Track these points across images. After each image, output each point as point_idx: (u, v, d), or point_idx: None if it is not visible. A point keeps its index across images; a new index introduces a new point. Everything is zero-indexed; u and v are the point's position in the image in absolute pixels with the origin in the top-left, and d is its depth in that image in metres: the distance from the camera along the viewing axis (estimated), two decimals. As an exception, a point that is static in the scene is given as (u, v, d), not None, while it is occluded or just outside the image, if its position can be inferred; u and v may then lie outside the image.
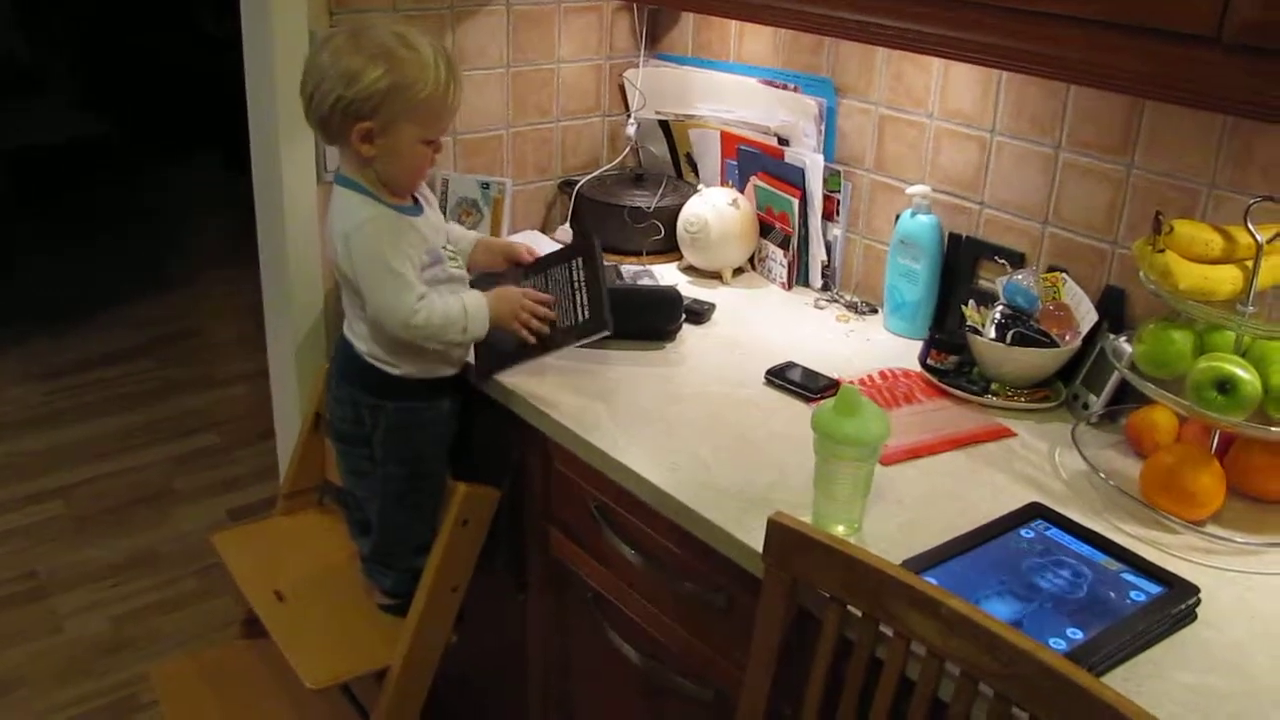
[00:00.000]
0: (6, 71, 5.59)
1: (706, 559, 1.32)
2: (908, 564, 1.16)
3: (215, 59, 4.34)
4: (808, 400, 1.56)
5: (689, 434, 1.47)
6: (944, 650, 1.02)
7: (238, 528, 2.12)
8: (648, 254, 2.06)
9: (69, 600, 2.65)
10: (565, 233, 2.12)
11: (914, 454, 1.43)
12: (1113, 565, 1.19)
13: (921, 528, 1.27)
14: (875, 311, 1.88)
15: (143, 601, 2.66)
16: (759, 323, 1.83)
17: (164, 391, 3.66)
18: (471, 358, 1.63)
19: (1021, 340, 1.55)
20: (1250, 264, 1.29)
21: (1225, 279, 1.31)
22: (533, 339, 1.57)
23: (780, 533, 1.15)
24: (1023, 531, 1.25)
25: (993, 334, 1.58)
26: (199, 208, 5.20)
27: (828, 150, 1.92)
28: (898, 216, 1.80)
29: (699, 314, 1.80)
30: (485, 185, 2.02)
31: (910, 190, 1.76)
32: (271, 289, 1.99)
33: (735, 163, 2.07)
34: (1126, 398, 1.51)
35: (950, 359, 1.63)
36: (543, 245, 1.86)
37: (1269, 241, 1.28)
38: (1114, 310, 1.56)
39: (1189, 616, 1.13)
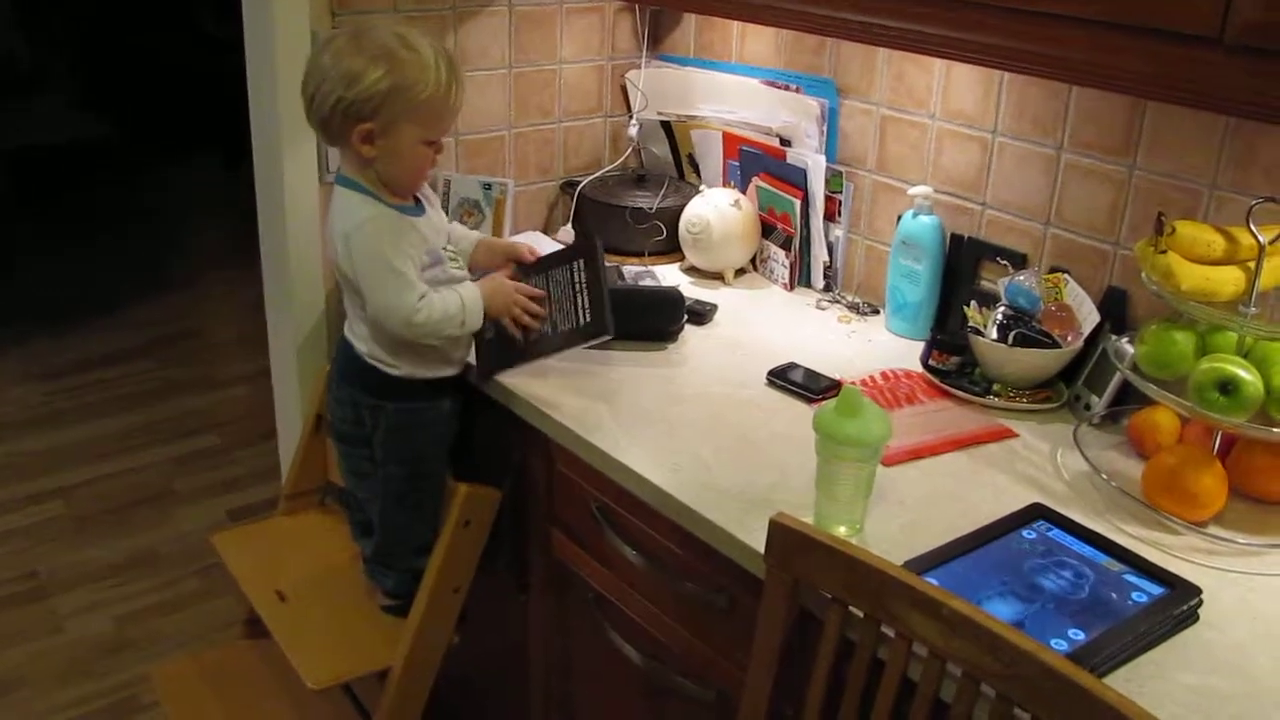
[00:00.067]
0: (6, 71, 5.60)
1: (708, 560, 1.32)
2: (909, 565, 1.16)
3: (215, 59, 4.34)
4: (809, 401, 1.56)
5: (691, 435, 1.47)
6: (946, 651, 1.02)
7: (238, 528, 2.12)
8: (650, 255, 2.06)
9: (70, 601, 2.65)
10: (567, 234, 2.12)
11: (916, 455, 1.43)
12: (1114, 566, 1.19)
13: (923, 528, 1.27)
14: (877, 312, 1.88)
15: (143, 602, 2.66)
16: (761, 324, 1.83)
17: (164, 392, 3.66)
18: (473, 358, 1.63)
19: (1023, 341, 1.55)
20: (1252, 265, 1.29)
21: (1227, 280, 1.31)
22: (520, 335, 1.57)
23: (782, 533, 1.15)
24: (1024, 532, 1.25)
25: (994, 335, 1.58)
26: (199, 208, 5.20)
27: (829, 151, 1.92)
28: (899, 217, 1.80)
29: (701, 315, 1.80)
30: (487, 186, 2.02)
31: (912, 191, 1.76)
32: (273, 289, 1.99)
33: (737, 163, 2.07)
34: (1128, 399, 1.51)
35: (952, 360, 1.63)
36: (545, 246, 1.85)
37: (1271, 242, 1.28)
38: (1116, 311, 1.56)
39: (1191, 617, 1.13)
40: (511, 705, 1.86)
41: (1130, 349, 1.42)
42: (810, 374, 1.62)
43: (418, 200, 1.56)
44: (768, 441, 1.45)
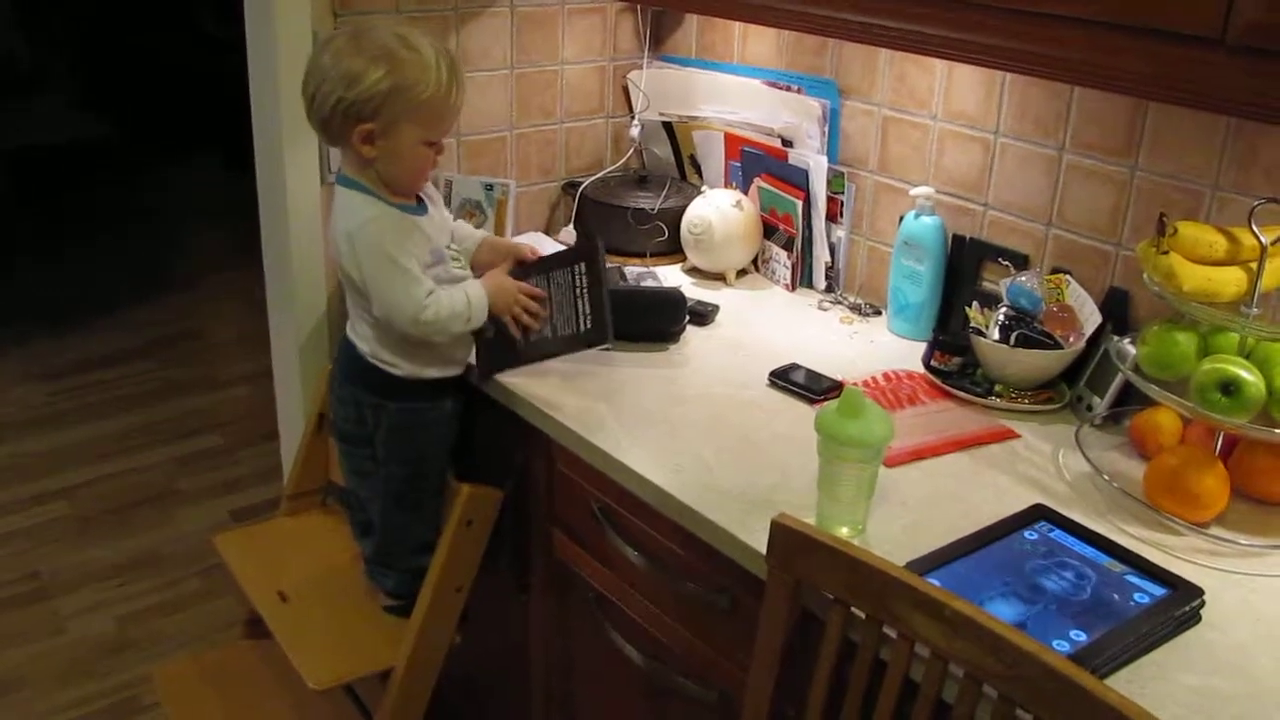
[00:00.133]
0: (6, 71, 5.60)
1: (709, 560, 1.32)
2: (911, 565, 1.16)
3: (216, 59, 4.35)
4: (811, 402, 1.56)
5: (692, 435, 1.47)
6: (948, 652, 1.02)
7: (240, 529, 2.12)
8: (651, 255, 2.06)
9: (72, 601, 2.65)
10: (569, 234, 2.12)
11: (918, 456, 1.43)
12: (1116, 567, 1.19)
13: (925, 529, 1.27)
14: (879, 313, 1.88)
15: (145, 602, 2.66)
16: (762, 324, 1.83)
17: (166, 392, 3.66)
18: (474, 358, 1.63)
19: (1025, 342, 1.55)
20: (1254, 266, 1.29)
21: (1229, 281, 1.31)
22: (520, 335, 1.57)
23: (784, 534, 1.15)
24: (1026, 533, 1.25)
25: (996, 336, 1.58)
26: (199, 208, 5.20)
27: (831, 152, 1.92)
28: (901, 218, 1.80)
29: (703, 316, 1.80)
30: (489, 187, 2.02)
31: (914, 192, 1.76)
32: (275, 289, 1.99)
33: (739, 164, 2.07)
34: (1130, 399, 1.51)
35: (954, 361, 1.63)
36: (546, 247, 1.85)
37: (1273, 243, 1.28)
38: (1118, 312, 1.56)
39: (1193, 618, 1.13)
40: (512, 705, 1.86)
41: (1132, 350, 1.42)
42: (812, 375, 1.62)
43: (420, 199, 1.56)
44: (769, 442, 1.45)
